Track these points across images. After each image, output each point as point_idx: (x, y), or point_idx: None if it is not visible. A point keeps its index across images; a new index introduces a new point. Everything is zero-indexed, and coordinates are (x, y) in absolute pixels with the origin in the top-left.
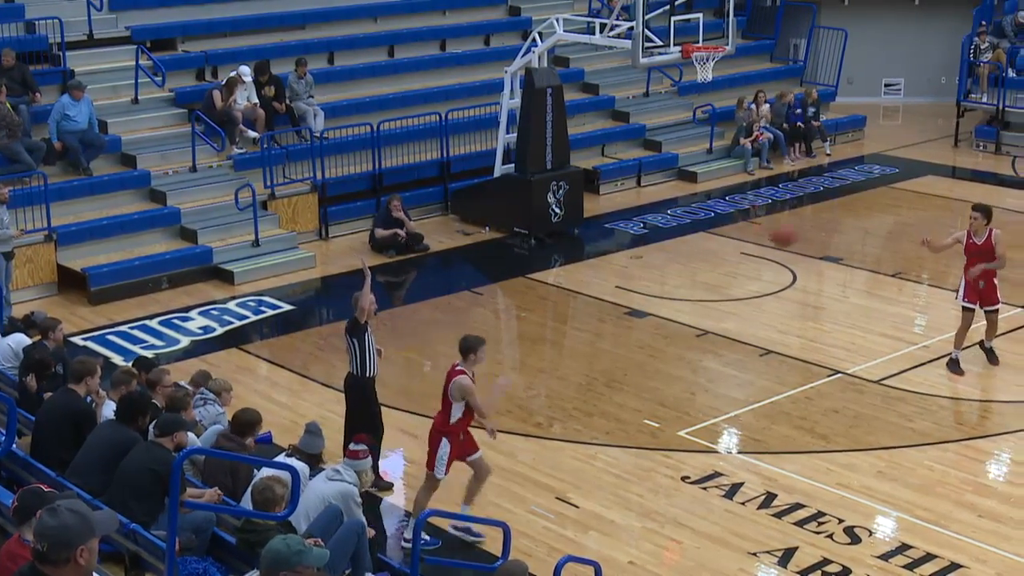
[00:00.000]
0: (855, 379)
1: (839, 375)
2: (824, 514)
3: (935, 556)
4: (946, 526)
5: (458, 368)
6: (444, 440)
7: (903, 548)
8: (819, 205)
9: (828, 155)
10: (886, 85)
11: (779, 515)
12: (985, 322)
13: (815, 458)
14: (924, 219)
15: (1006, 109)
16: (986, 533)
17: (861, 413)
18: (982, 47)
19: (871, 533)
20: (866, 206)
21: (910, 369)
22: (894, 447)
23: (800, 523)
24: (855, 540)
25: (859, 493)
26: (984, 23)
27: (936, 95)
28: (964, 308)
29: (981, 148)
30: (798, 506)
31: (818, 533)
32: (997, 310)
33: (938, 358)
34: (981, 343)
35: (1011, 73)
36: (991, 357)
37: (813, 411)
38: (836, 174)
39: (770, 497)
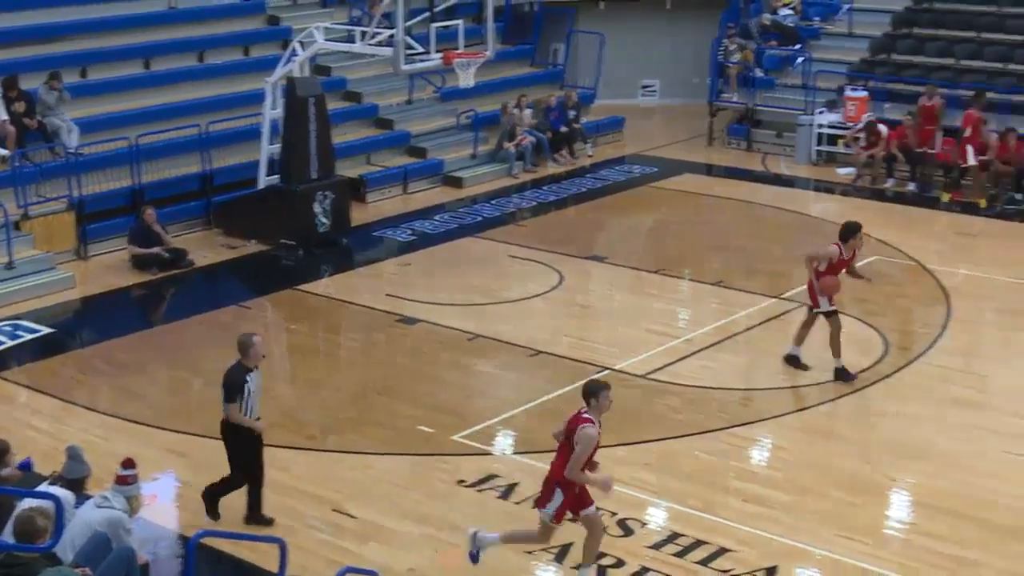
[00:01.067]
0: (623, 374)
1: (607, 371)
2: (597, 509)
3: (704, 542)
4: (714, 512)
5: (585, 416)
6: (558, 491)
7: (674, 536)
8: (583, 206)
9: (590, 156)
10: (643, 87)
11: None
12: (802, 323)
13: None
14: (684, 216)
15: (755, 107)
16: (751, 517)
17: (630, 407)
18: (731, 49)
19: (643, 524)
20: (628, 205)
21: (675, 362)
22: (662, 439)
23: (573, 519)
24: (628, 532)
25: (630, 486)
26: (732, 26)
27: (690, 96)
28: (828, 313)
29: (734, 145)
30: None
31: None
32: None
33: (700, 350)
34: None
35: (759, 73)
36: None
37: None
38: (598, 175)
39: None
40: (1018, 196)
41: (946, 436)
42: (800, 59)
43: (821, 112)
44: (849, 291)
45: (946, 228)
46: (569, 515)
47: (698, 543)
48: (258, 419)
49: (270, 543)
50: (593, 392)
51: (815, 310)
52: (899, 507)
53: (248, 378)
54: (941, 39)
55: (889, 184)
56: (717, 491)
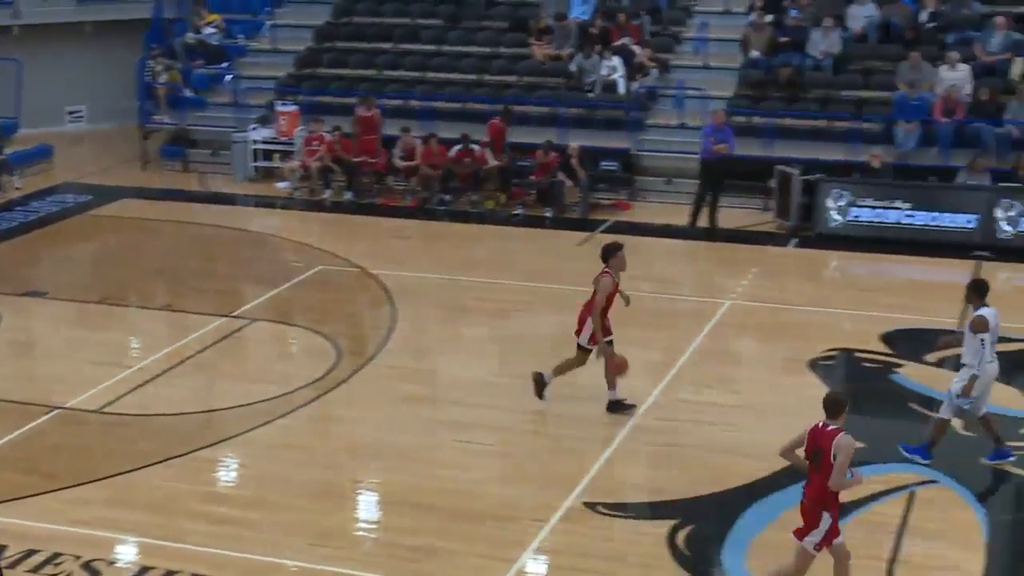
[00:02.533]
0: (75, 411)
1: (58, 410)
2: (60, 555)
3: (176, 572)
4: (182, 540)
5: (831, 428)
6: (826, 514)
7: (144, 571)
8: (15, 241)
9: (18, 188)
10: (69, 113)
11: (13, 565)
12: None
13: (46, 499)
14: (124, 243)
15: (188, 128)
16: (221, 539)
17: (85, 445)
18: (158, 69)
19: (110, 563)
20: (65, 236)
21: (129, 393)
22: (122, 473)
23: (35, 569)
24: (95, 573)
25: (93, 526)
26: (156, 46)
27: (121, 119)
28: (582, 348)
29: (169, 167)
30: (32, 552)
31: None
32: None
33: (155, 377)
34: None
35: (188, 93)
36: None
37: (36, 451)
38: (29, 207)
39: (1, 549)
40: (447, 197)
41: (403, 433)
42: (228, 77)
43: (254, 128)
44: (298, 303)
45: (384, 233)
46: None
47: (170, 572)
48: None
49: None
50: (842, 403)
51: (591, 345)
52: (366, 507)
53: None
54: (362, 51)
55: (327, 195)
56: (183, 517)
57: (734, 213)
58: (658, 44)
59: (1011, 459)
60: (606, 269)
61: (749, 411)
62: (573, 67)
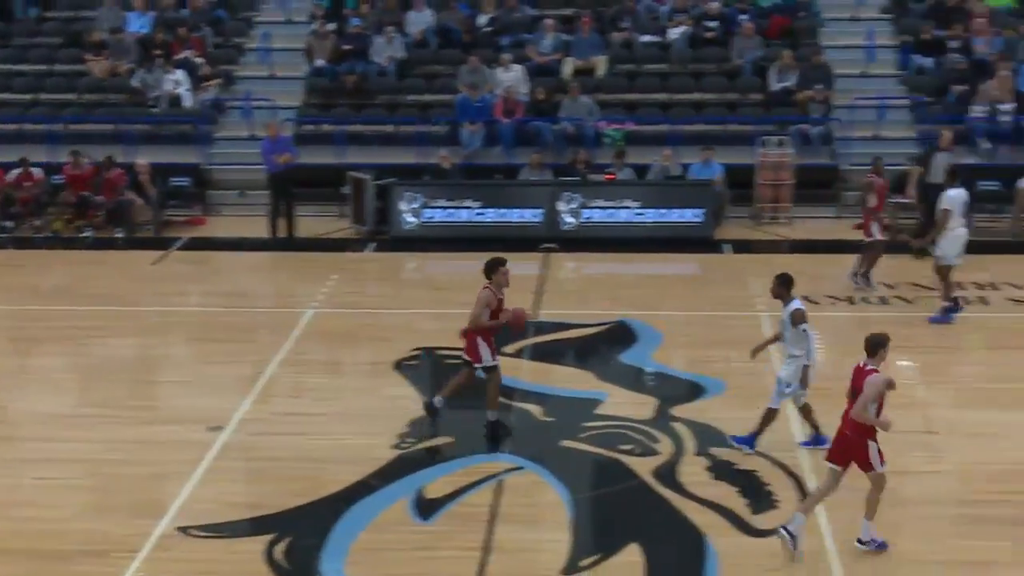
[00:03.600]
0: None
1: None
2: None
3: None
4: None
5: (869, 367)
6: (871, 443)
7: None
8: None
9: None
10: None
11: None
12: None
13: None
14: None
15: None
16: None
17: None
18: None
19: None
20: None
21: None
22: None
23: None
24: None
25: None
26: None
27: None
28: (490, 368)
29: None
30: None
31: None
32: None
33: None
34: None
35: None
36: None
37: None
38: None
39: None
40: (8, 223)
41: None
42: None
43: None
44: None
45: None
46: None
47: None
48: None
49: None
50: (883, 342)
51: (476, 366)
52: None
53: None
54: None
55: None
56: None
57: (311, 221)
58: (222, 56)
59: (826, 446)
60: (487, 284)
61: (339, 418)
62: (136, 82)
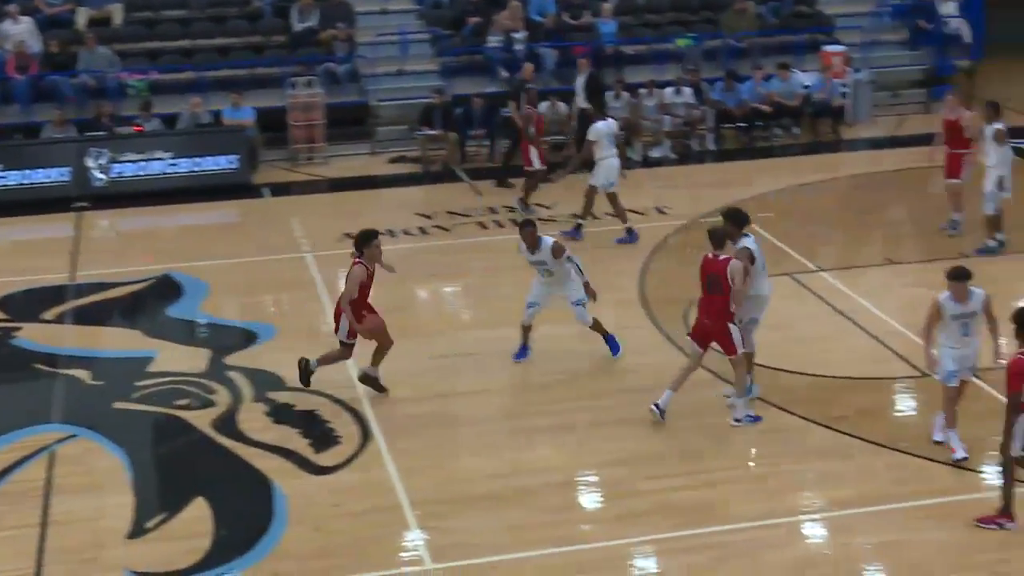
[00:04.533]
0: None
1: None
2: None
3: None
4: None
5: (722, 257)
6: (731, 325)
7: None
8: None
9: None
10: None
11: None
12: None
13: None
14: None
15: None
16: None
17: None
18: None
19: None
20: None
21: None
22: None
23: None
24: None
25: None
26: None
27: None
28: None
29: None
30: None
31: None
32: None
33: None
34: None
35: None
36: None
37: None
38: None
39: None
40: None
41: None
42: None
43: None
44: None
45: None
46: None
47: None
48: None
49: None
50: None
51: (351, 340)
52: None
53: None
54: None
55: None
56: None
57: None
58: None
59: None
60: (358, 259)
61: None
62: None
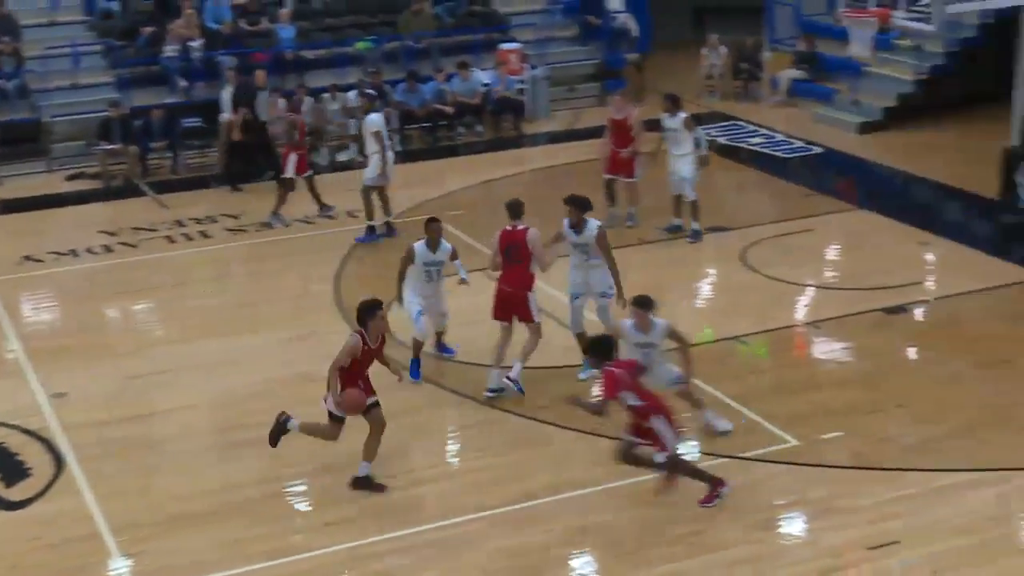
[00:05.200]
0: None
1: None
2: None
3: None
4: None
5: (520, 227)
6: (530, 293)
7: None
8: None
9: None
10: None
11: None
12: None
13: None
14: None
15: None
16: None
17: None
18: None
19: None
20: None
21: None
22: None
23: None
24: None
25: None
26: None
27: None
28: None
29: None
30: None
31: None
32: None
33: None
34: None
35: None
36: None
37: None
38: None
39: None
40: None
41: None
42: None
43: None
44: None
45: None
46: None
47: None
48: None
49: None
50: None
51: (341, 412)
52: None
53: None
54: None
55: None
56: None
57: None
58: None
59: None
60: (358, 329)
61: None
62: None
